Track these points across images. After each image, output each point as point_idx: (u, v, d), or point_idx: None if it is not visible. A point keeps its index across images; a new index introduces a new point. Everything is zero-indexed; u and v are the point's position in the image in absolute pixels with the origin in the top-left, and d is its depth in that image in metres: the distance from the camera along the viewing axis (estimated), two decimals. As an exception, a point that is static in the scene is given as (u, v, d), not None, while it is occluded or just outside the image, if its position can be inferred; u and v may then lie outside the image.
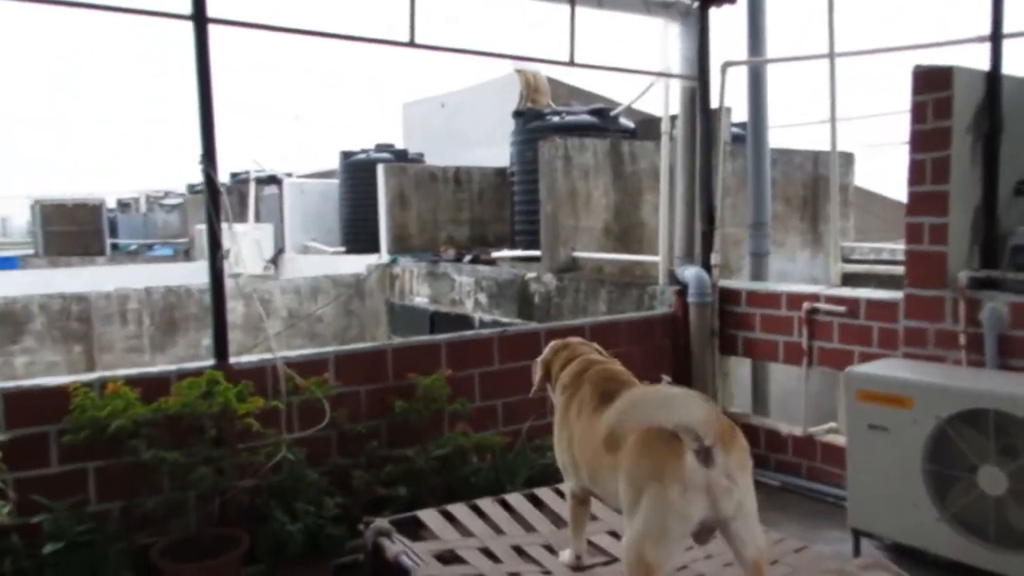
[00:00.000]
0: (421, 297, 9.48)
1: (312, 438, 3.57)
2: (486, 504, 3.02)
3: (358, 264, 11.08)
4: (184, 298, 9.06)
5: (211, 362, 3.46)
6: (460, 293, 8.48)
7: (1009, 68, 4.07)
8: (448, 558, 2.59)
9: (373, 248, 11.39)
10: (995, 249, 4.02)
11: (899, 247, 5.70)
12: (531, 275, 7.28)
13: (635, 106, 8.22)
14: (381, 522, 2.84)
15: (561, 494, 3.03)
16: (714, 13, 5.33)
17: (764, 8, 5.49)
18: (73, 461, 3.17)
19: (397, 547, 2.64)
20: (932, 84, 3.98)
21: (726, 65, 5.37)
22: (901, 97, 4.26)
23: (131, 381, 3.23)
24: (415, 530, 2.76)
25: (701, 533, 2.13)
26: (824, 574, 2.35)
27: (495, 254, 8.71)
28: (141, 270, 15.10)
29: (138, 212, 27.98)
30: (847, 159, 9.86)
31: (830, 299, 4.60)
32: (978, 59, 4.09)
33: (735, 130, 8.50)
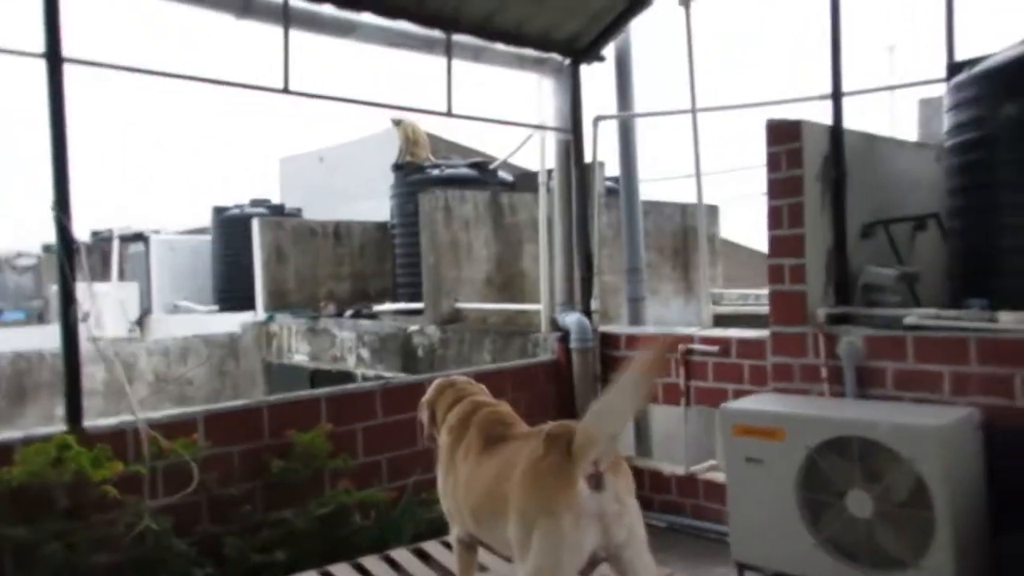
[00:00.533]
0: (300, 355, 9.16)
1: (179, 505, 3.30)
2: (370, 562, 2.88)
3: (232, 323, 10.61)
4: (36, 364, 8.35)
5: (63, 428, 3.16)
6: (342, 349, 8.25)
7: (850, 122, 4.45)
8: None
9: (248, 306, 10.94)
10: (847, 287, 4.31)
11: (764, 292, 6.00)
12: (414, 328, 7.19)
13: (512, 160, 8.41)
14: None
15: (449, 546, 2.93)
16: (585, 70, 5.57)
17: (631, 67, 5.77)
18: None
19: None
20: (784, 136, 4.26)
21: (597, 119, 5.59)
22: (757, 151, 4.54)
23: (-31, 450, 2.91)
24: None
25: (588, 566, 2.09)
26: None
27: (377, 308, 8.57)
28: (-13, 336, 13.87)
29: (-13, 275, 25.90)
30: (712, 211, 10.41)
31: (704, 340, 4.77)
32: (823, 115, 4.45)
33: (608, 183, 8.82)
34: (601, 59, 5.59)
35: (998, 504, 3.39)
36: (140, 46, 3.70)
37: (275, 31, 4.10)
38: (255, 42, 4.30)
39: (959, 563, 3.17)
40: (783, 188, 4.26)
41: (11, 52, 3.23)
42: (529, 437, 2.29)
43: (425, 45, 4.73)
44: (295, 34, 4.14)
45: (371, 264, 11.31)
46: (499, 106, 5.28)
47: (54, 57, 3.27)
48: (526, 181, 8.98)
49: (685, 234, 9.92)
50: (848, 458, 3.37)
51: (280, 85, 4.01)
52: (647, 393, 2.14)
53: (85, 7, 3.39)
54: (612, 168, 7.57)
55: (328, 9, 4.26)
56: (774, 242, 4.31)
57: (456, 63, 4.86)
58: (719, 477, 4.72)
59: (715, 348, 4.68)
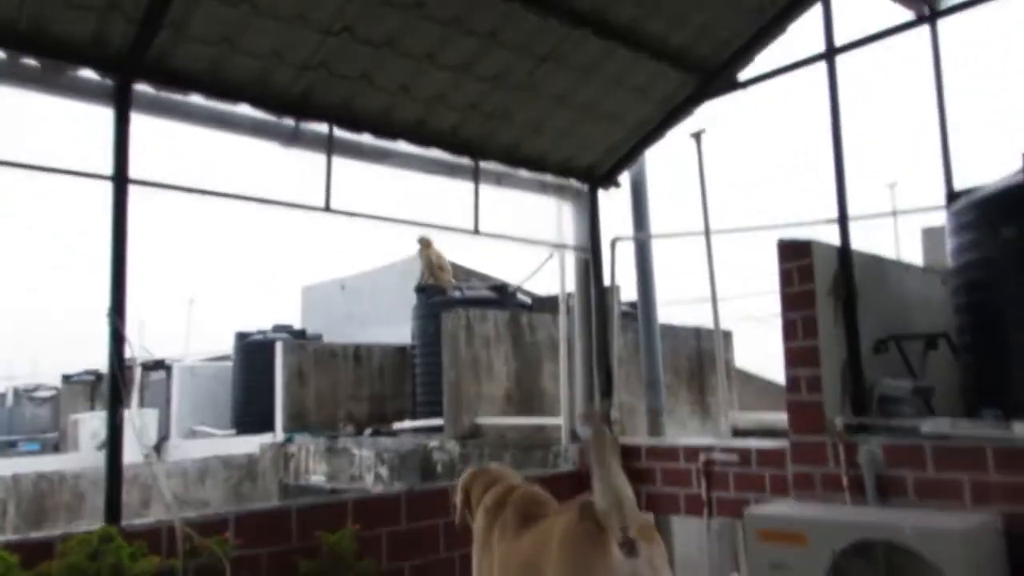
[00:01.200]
0: (318, 476, 9.13)
1: (210, 607, 3.32)
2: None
3: (251, 444, 10.64)
4: (56, 485, 8.37)
5: (101, 525, 3.25)
6: (360, 468, 8.25)
7: (858, 244, 4.70)
8: None
9: (266, 430, 11.01)
10: (863, 399, 4.41)
11: (779, 416, 6.08)
12: (434, 444, 7.24)
13: (530, 287, 8.73)
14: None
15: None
16: (602, 195, 5.93)
17: (646, 192, 6.14)
18: (-69, 639, 2.84)
19: None
20: (795, 254, 4.50)
21: (615, 240, 5.89)
22: (767, 275, 4.78)
23: (10, 546, 3.00)
24: None
25: None
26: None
27: (396, 426, 8.63)
28: (5, 464, 13.90)
29: (3, 406, 26.12)
30: (726, 336, 10.58)
31: (724, 450, 4.83)
32: (832, 239, 4.71)
33: (624, 308, 9.08)
34: (617, 185, 5.95)
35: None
36: (192, 172, 4.08)
37: (318, 158, 4.48)
38: (297, 169, 4.70)
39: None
40: (796, 302, 4.45)
41: (86, 175, 3.56)
42: (563, 511, 2.38)
43: (454, 171, 5.09)
44: (336, 160, 4.52)
45: (390, 386, 11.45)
46: (520, 230, 5.59)
47: (120, 178, 3.60)
48: (543, 305, 9.27)
49: (700, 357, 10.04)
50: (873, 562, 3.37)
51: (322, 205, 4.33)
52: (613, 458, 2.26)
53: (146, 134, 3.74)
54: (628, 293, 7.84)
55: (367, 139, 4.65)
56: (790, 354, 4.45)
57: (482, 187, 5.22)
58: (745, 594, 4.65)
59: (735, 458, 4.72)
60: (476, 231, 5.06)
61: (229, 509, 3.62)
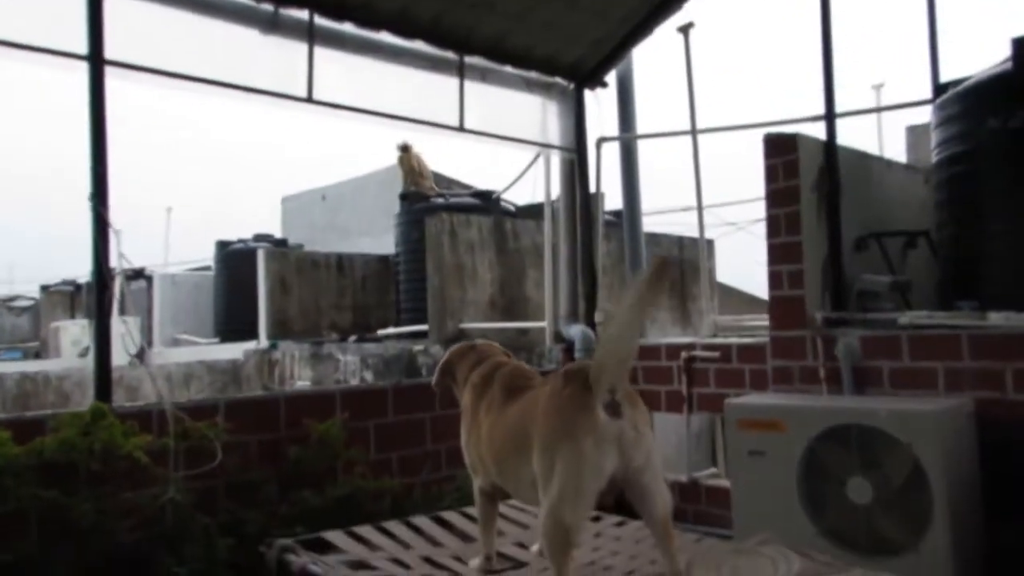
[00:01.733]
0: (303, 381, 9.24)
1: (201, 488, 3.40)
2: (392, 525, 2.97)
3: (235, 351, 10.71)
4: (41, 385, 8.41)
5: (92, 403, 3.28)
6: (345, 373, 8.35)
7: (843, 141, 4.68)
8: (357, 567, 2.53)
9: (249, 338, 11.06)
10: (843, 294, 4.48)
11: (760, 321, 6.16)
12: (418, 348, 7.32)
13: (514, 195, 8.68)
14: (284, 540, 2.73)
15: (468, 517, 3.03)
16: (588, 96, 5.83)
17: (632, 92, 6.04)
18: (-72, 513, 2.89)
19: (303, 559, 2.55)
20: (780, 149, 4.48)
21: (600, 140, 5.83)
22: (750, 181, 4.76)
23: (1, 423, 3.02)
24: (321, 551, 2.68)
25: (607, 491, 2.20)
26: (724, 554, 2.48)
27: (381, 332, 8.70)
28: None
29: (-18, 318, 25.97)
30: (709, 245, 10.65)
31: (705, 347, 4.93)
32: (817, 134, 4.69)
33: (607, 217, 9.08)
34: (604, 84, 5.86)
35: (991, 489, 3.51)
36: (172, 55, 3.88)
37: (299, 47, 4.34)
38: (278, 59, 4.57)
39: (956, 545, 3.28)
40: (780, 198, 4.46)
41: (57, 53, 3.44)
42: (548, 381, 2.43)
43: (438, 65, 4.97)
44: (318, 51, 4.39)
45: (373, 296, 11.49)
46: (505, 129, 5.50)
47: (96, 59, 3.48)
48: (528, 212, 9.24)
49: (682, 266, 10.13)
50: (847, 447, 3.49)
51: (304, 95, 4.23)
52: (646, 314, 2.29)
53: (122, 12, 3.59)
54: (610, 202, 7.82)
55: (349, 28, 4.51)
56: (773, 250, 4.49)
57: (467, 84, 5.11)
58: (721, 483, 4.82)
59: (716, 354, 4.82)
60: (461, 128, 4.99)
61: (219, 396, 3.67)
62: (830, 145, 4.61)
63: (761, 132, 4.85)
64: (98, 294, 3.36)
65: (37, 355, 18.85)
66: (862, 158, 4.83)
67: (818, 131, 4.66)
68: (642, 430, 2.22)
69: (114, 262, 3.50)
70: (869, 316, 4.33)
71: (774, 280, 4.47)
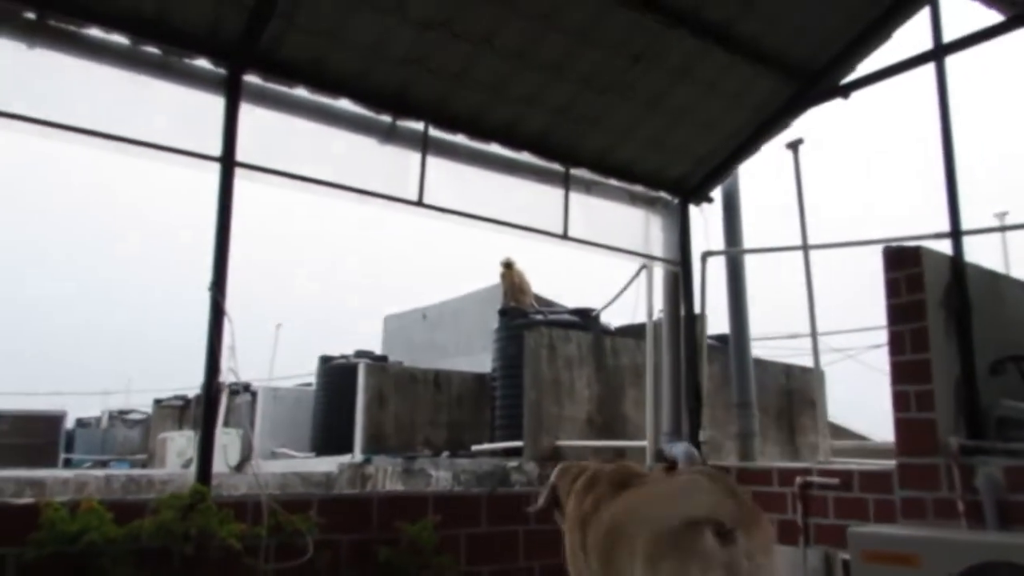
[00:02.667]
0: (394, 496, 9.10)
1: (289, 584, 3.30)
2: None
3: (330, 465, 10.74)
4: (144, 486, 8.61)
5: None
6: (437, 488, 8.18)
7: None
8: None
9: (345, 452, 11.11)
10: (979, 419, 4.10)
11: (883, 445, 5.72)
12: (512, 464, 7.12)
13: (613, 318, 8.58)
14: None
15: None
16: (693, 209, 5.81)
17: (739, 207, 5.97)
18: (27, 592, 2.90)
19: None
20: (903, 262, 4.27)
21: (706, 255, 5.74)
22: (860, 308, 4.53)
23: (106, 503, 3.06)
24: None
25: None
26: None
27: (474, 448, 8.55)
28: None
29: (98, 428, 27.41)
30: (820, 377, 10.13)
31: (823, 472, 4.57)
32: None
33: (709, 341, 8.83)
34: (709, 200, 5.84)
35: None
36: (295, 160, 4.19)
37: (413, 156, 4.55)
38: (393, 165, 4.82)
39: None
40: (904, 313, 4.21)
41: (192, 154, 3.71)
42: (662, 478, 2.26)
43: (545, 176, 5.10)
44: (430, 159, 4.58)
45: (468, 414, 11.41)
46: (609, 239, 5.50)
47: (228, 160, 3.75)
48: (626, 332, 9.09)
49: (790, 396, 9.63)
50: (997, 586, 3.08)
51: (415, 198, 4.39)
52: None
53: (253, 119, 3.88)
54: (712, 325, 7.60)
55: (461, 139, 4.71)
56: (897, 368, 4.19)
57: (572, 195, 5.20)
58: (844, 628, 4.33)
59: (836, 480, 4.45)
60: (565, 235, 5.04)
61: (313, 492, 3.62)
62: (957, 260, 4.37)
63: (876, 250, 4.66)
64: (208, 379, 3.44)
65: (144, 465, 19.57)
66: (993, 277, 4.56)
67: (941, 249, 4.44)
68: (758, 561, 2.02)
69: (224, 376, 3.59)
70: (1012, 446, 3.92)
71: (900, 401, 4.15)
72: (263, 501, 3.29)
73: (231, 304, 3.53)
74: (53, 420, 22.46)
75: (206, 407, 3.39)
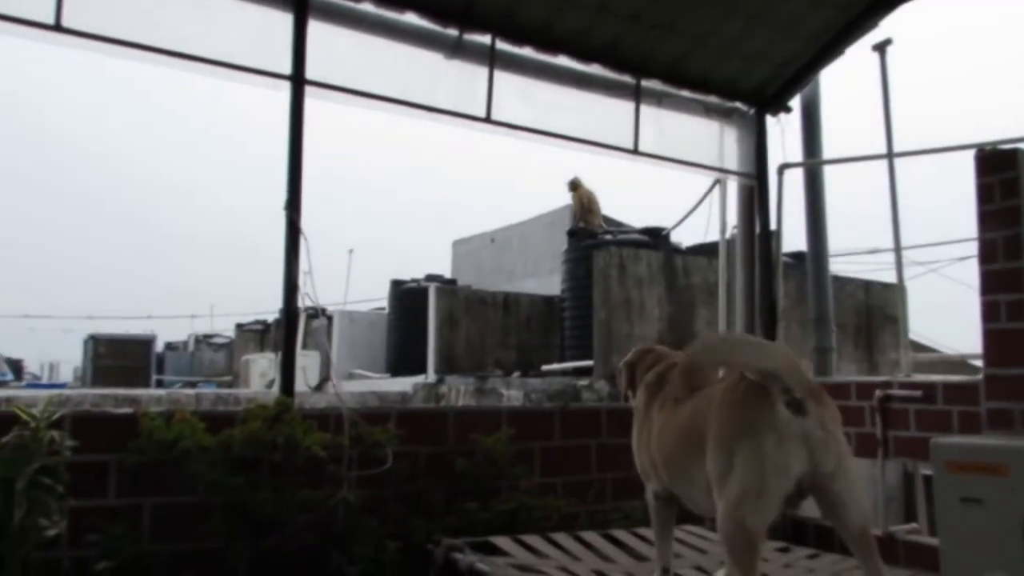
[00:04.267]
0: (467, 414, 9.34)
1: (371, 494, 3.42)
2: (561, 537, 2.83)
3: (404, 385, 11.07)
4: (232, 404, 9.06)
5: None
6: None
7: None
8: (525, 570, 2.40)
9: (419, 373, 11.41)
10: (1076, 330, 3.89)
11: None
12: (583, 383, 7.18)
13: (684, 237, 8.43)
14: (452, 540, 2.67)
15: (640, 537, 2.84)
16: (770, 120, 5.56)
17: (820, 118, 5.69)
18: (131, 495, 3.09)
19: (471, 558, 2.47)
20: (997, 166, 4.01)
21: (783, 167, 5.51)
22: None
23: (198, 415, 3.20)
24: (488, 554, 2.58)
25: (795, 495, 1.97)
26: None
27: (545, 368, 8.65)
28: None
29: (186, 351, 28.79)
30: (902, 291, 9.79)
31: (904, 385, 4.44)
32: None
33: (784, 259, 8.60)
34: (788, 110, 5.57)
35: None
36: (362, 77, 4.16)
37: (480, 71, 4.46)
38: (460, 81, 4.74)
39: None
40: (997, 220, 3.97)
41: (262, 73, 3.72)
42: (724, 381, 2.24)
43: (614, 88, 4.93)
44: (497, 73, 4.48)
45: (537, 336, 11.53)
46: (682, 154, 5.33)
47: (298, 79, 3.74)
48: (698, 251, 8.93)
49: (869, 313, 9.38)
50: (1092, 498, 2.97)
51: (483, 115, 4.32)
52: None
53: (321, 36, 3.85)
54: (788, 242, 7.37)
55: (528, 51, 4.58)
56: (988, 277, 3.98)
57: (642, 108, 5.03)
58: (924, 540, 4.28)
59: (918, 393, 4.32)
60: (636, 150, 4.91)
61: (392, 405, 3.71)
62: (1058, 161, 4.08)
63: (966, 156, 4.39)
64: (287, 297, 3.52)
65: (229, 386, 20.57)
66: (1098, 178, 4.23)
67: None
68: (832, 430, 1.99)
69: (302, 301, 3.65)
70: (1111, 355, 3.72)
71: (990, 311, 3.96)
72: (344, 413, 3.40)
73: (306, 227, 3.58)
74: (145, 344, 23.77)
75: (286, 324, 3.48)
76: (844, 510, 2.00)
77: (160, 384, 23.14)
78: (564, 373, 8.39)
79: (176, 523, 3.09)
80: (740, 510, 1.93)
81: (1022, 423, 3.79)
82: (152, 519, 3.10)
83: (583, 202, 10.49)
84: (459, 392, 9.67)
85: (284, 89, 3.72)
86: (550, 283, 11.88)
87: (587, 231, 9.65)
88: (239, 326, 24.09)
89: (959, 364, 5.96)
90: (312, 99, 3.79)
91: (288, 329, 3.46)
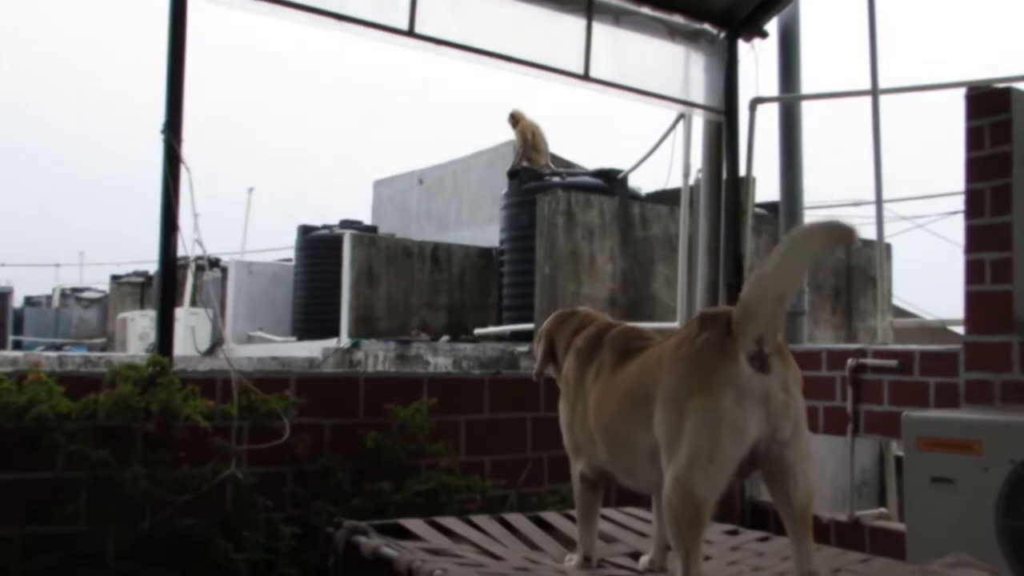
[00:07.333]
0: (387, 385, 9.40)
1: (265, 472, 3.46)
2: (482, 520, 2.93)
3: (313, 351, 11.05)
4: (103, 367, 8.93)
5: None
6: (435, 376, 8.43)
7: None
8: (438, 554, 2.49)
9: (329, 336, 11.38)
10: (1065, 294, 4.13)
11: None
12: (521, 349, 7.29)
13: (643, 179, 8.53)
14: (355, 522, 2.73)
15: (572, 519, 2.95)
16: (743, 46, 5.65)
17: (798, 46, 5.82)
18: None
19: (376, 541, 2.54)
20: (988, 107, 4.18)
21: (755, 101, 5.63)
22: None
23: (56, 376, 3.17)
24: (397, 538, 2.66)
25: (748, 463, 2.07)
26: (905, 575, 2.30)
27: (478, 331, 8.74)
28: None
29: (49, 308, 28.00)
30: (882, 248, 10.15)
31: (879, 354, 4.65)
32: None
33: (756, 209, 8.81)
34: (763, 35, 5.67)
35: None
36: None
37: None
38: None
39: None
40: (986, 168, 4.16)
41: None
42: (676, 335, 2.32)
43: (563, 2, 4.94)
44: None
45: (471, 295, 11.59)
46: (640, 82, 5.39)
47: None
48: (658, 199, 9.08)
49: (848, 274, 9.71)
50: (1067, 477, 3.19)
51: (405, 27, 4.29)
52: (813, 260, 2.16)
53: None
54: (763, 189, 7.55)
55: (461, -47, 4.54)
56: (973, 233, 4.19)
57: (596, 27, 5.05)
58: (892, 526, 4.53)
59: (893, 363, 4.54)
60: (586, 76, 4.94)
61: (290, 370, 3.73)
62: (1055, 104, 4.27)
63: (956, 95, 4.55)
64: (164, 236, 3.49)
65: (103, 350, 20.14)
66: (1097, 125, 4.45)
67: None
68: (793, 392, 2.09)
69: (188, 250, 3.58)
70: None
71: (973, 271, 4.17)
72: (233, 377, 3.41)
73: (192, 156, 3.52)
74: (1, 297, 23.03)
75: (163, 270, 3.45)
76: (793, 482, 2.10)
77: (19, 346, 22.51)
78: (501, 338, 8.49)
79: (30, 503, 3.07)
80: (689, 476, 2.00)
81: (1001, 396, 4.03)
82: (0, 498, 3.08)
83: (526, 137, 10.50)
84: (377, 359, 9.70)
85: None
86: (488, 233, 11.92)
87: (531, 171, 9.67)
88: (115, 278, 23.55)
89: (941, 331, 6.25)
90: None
91: (165, 276, 3.42)
